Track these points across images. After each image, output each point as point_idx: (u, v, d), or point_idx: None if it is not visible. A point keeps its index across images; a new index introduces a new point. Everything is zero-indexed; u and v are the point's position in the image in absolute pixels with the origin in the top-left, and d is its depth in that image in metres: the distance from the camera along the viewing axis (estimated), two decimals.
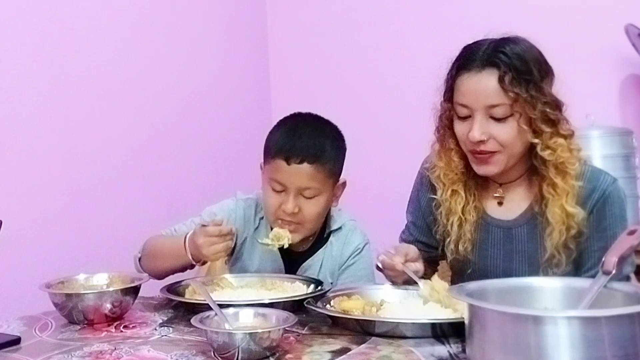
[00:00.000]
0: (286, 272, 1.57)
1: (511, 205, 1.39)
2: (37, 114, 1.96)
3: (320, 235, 1.60)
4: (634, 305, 0.87)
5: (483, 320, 0.92)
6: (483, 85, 1.28)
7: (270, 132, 1.56)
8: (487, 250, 1.40)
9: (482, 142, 1.29)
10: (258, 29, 3.00)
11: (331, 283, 1.55)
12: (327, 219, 1.61)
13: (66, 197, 2.03)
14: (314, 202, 1.48)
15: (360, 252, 1.58)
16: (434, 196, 1.44)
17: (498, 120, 1.28)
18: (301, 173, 1.45)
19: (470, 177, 1.40)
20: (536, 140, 1.28)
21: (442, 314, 1.18)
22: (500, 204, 1.40)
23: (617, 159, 2.15)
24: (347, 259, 1.58)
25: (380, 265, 1.36)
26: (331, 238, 1.60)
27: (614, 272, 0.99)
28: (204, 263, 1.55)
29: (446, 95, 1.36)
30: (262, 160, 1.56)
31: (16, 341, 1.15)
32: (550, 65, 1.34)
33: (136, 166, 2.28)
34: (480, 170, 1.34)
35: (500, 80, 1.26)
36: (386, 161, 2.67)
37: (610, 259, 1.00)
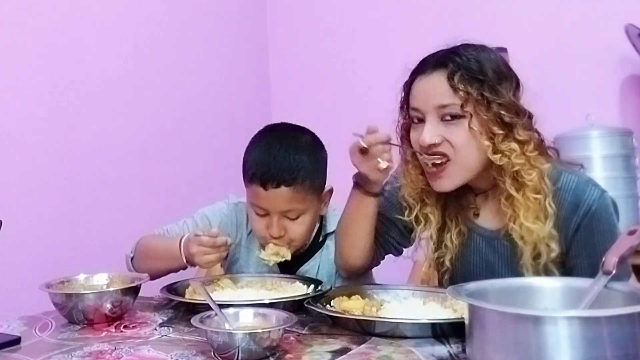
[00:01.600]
0: None
1: (487, 217, 1.32)
2: (37, 114, 1.96)
3: (316, 239, 1.59)
4: (634, 305, 0.87)
5: (483, 320, 0.91)
6: (432, 86, 1.22)
7: (246, 152, 1.51)
8: (469, 256, 1.34)
9: (434, 145, 1.21)
10: (258, 29, 3.00)
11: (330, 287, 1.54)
12: (321, 222, 1.59)
13: (66, 197, 2.03)
14: (299, 222, 1.46)
15: None
16: (401, 217, 1.36)
17: (450, 121, 1.21)
18: (280, 197, 1.42)
19: (451, 200, 1.33)
20: (487, 143, 1.19)
21: (442, 314, 1.18)
22: (476, 214, 1.33)
23: (617, 159, 2.15)
24: None
25: (365, 145, 1.23)
26: (327, 241, 1.58)
27: (614, 272, 0.98)
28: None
29: (402, 104, 1.31)
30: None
31: (16, 341, 1.15)
32: (516, 74, 1.26)
33: (136, 166, 2.29)
34: (435, 185, 1.26)
35: (449, 78, 1.20)
36: None
37: (611, 259, 0.99)
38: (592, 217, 1.21)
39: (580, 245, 1.23)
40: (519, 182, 1.20)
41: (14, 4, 1.91)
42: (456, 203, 1.33)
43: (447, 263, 1.33)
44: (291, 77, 2.98)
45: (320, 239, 1.60)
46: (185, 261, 1.43)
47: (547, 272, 1.22)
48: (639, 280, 1.37)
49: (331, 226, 1.57)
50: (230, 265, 1.63)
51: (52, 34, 2.01)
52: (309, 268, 1.58)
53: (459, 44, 1.25)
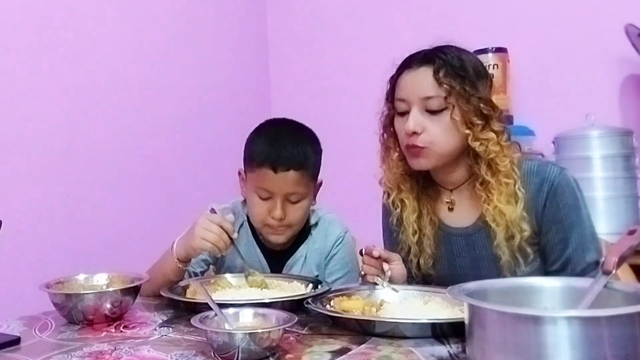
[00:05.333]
0: (271, 272, 1.60)
1: (462, 211, 1.40)
2: (37, 114, 1.96)
3: (302, 232, 1.64)
4: (634, 305, 0.87)
5: (483, 320, 0.92)
6: (419, 79, 1.33)
7: (250, 141, 1.58)
8: (454, 260, 1.41)
9: (415, 134, 1.31)
10: (258, 30, 3.00)
11: (317, 276, 1.59)
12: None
13: (66, 198, 2.03)
14: (299, 206, 1.54)
15: (342, 241, 1.65)
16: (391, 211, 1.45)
17: (433, 113, 1.31)
18: (288, 180, 1.50)
19: (421, 188, 1.43)
20: (467, 131, 1.30)
21: (442, 314, 1.18)
22: (450, 209, 1.41)
23: (617, 159, 2.15)
24: (331, 249, 1.64)
25: (365, 250, 1.37)
26: (312, 232, 1.64)
27: (614, 272, 0.98)
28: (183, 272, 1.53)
29: (388, 95, 1.40)
30: (243, 168, 1.59)
31: (16, 341, 1.15)
32: (489, 73, 1.38)
33: (136, 166, 2.29)
34: (413, 163, 1.36)
35: (435, 73, 1.30)
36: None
37: (610, 259, 1.00)
38: (555, 192, 1.32)
39: (549, 221, 1.32)
40: (493, 168, 1.31)
41: (19, 4, 1.91)
42: (429, 195, 1.44)
43: (428, 250, 1.41)
44: (291, 78, 2.98)
45: (306, 230, 1.64)
46: (175, 259, 1.44)
47: (522, 252, 1.32)
48: (639, 280, 1.37)
49: (313, 219, 1.65)
50: (219, 267, 1.64)
51: (52, 34, 2.01)
52: (296, 260, 1.62)
53: (443, 44, 1.37)
